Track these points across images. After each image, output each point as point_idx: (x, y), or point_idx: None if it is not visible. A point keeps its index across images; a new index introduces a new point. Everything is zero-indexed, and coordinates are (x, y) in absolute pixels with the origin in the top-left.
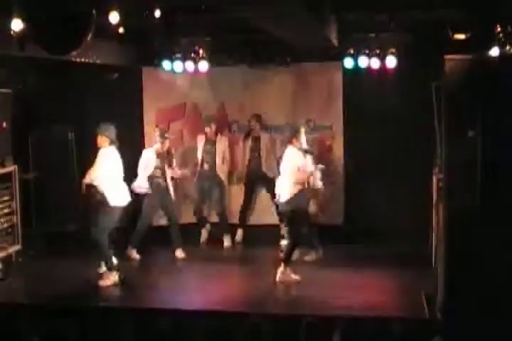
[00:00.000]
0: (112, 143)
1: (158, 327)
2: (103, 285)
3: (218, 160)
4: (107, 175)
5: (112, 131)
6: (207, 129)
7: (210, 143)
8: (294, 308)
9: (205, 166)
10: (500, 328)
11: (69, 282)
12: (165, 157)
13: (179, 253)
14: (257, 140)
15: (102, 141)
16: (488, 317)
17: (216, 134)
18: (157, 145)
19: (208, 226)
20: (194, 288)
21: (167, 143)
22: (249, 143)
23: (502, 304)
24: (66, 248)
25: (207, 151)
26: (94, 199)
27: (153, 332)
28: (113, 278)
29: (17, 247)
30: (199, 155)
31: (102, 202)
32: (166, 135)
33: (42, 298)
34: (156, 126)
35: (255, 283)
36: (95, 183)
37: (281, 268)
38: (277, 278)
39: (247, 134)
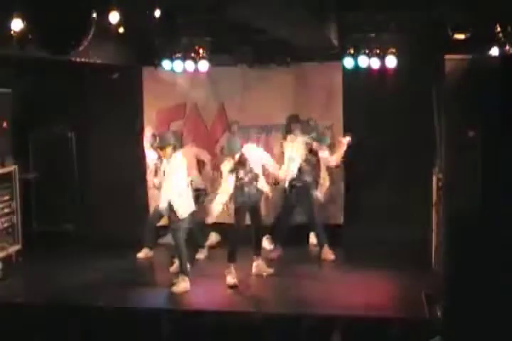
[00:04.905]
0: (174, 148)
1: (158, 327)
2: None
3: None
4: None
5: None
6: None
7: None
8: (294, 308)
9: None
10: (501, 328)
11: (69, 282)
12: None
13: (201, 254)
14: None
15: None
16: (488, 318)
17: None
18: None
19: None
20: (195, 288)
21: None
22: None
23: (502, 304)
24: (66, 248)
25: None
26: None
27: (153, 332)
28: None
29: (17, 247)
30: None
31: None
32: None
33: (42, 298)
34: None
35: (255, 283)
36: None
37: (255, 262)
38: (253, 271)
39: None
